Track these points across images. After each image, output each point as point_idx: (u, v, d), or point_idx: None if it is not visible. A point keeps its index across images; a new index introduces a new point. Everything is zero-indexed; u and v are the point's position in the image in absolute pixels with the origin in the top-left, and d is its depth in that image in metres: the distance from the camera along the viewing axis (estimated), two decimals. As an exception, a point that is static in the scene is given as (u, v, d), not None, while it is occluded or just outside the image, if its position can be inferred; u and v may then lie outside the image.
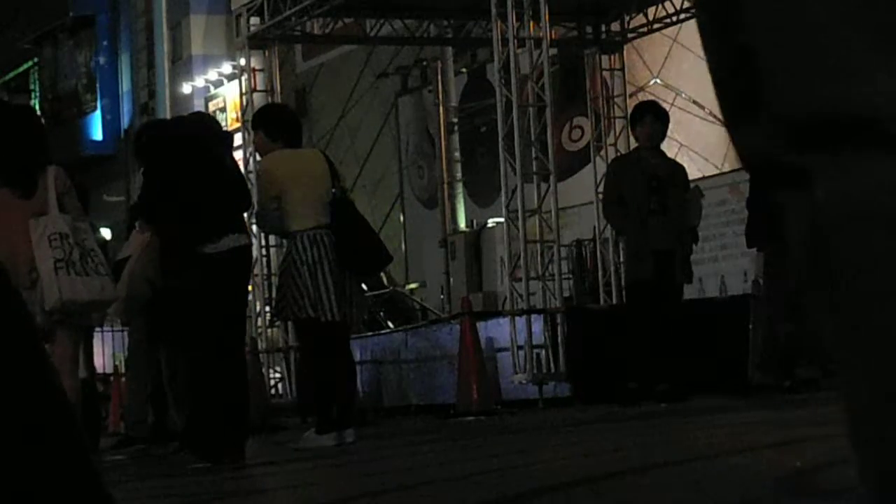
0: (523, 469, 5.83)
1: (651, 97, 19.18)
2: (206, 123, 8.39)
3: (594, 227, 15.52)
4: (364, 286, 9.65)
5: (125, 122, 32.59)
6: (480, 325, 11.99)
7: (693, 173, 18.09)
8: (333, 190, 8.47)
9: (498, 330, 12.41)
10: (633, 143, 11.57)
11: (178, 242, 7.47)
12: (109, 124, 32.64)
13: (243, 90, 16.39)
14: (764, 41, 1.00)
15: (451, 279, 21.02)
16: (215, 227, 7.42)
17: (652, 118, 10.83)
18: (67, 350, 7.36)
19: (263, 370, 14.55)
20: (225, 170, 7.75)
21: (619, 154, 13.82)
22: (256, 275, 15.47)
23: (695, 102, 19.17)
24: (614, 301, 14.28)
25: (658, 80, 19.41)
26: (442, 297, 20.98)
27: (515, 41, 12.83)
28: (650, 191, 10.46)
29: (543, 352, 12.07)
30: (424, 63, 23.29)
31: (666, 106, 19.40)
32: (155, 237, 8.18)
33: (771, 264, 10.15)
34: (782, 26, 0.98)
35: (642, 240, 10.52)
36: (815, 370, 10.06)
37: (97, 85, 32.72)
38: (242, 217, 7.99)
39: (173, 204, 7.44)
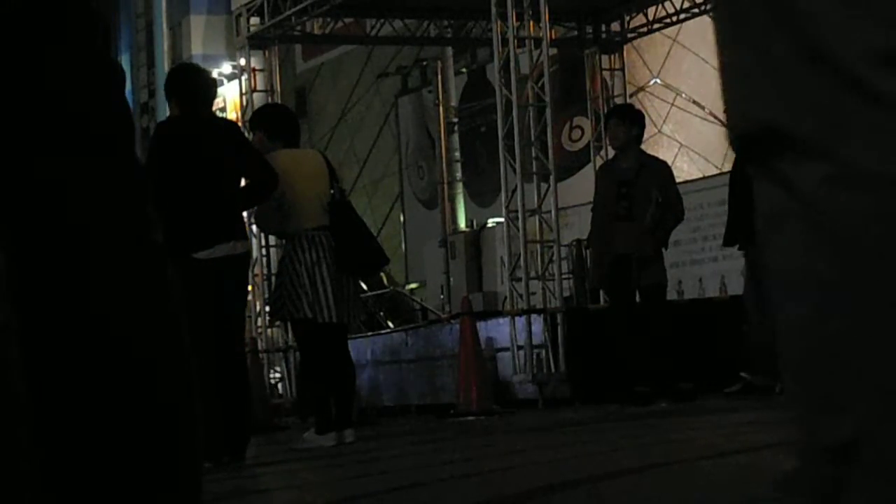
0: (523, 469, 5.83)
1: (651, 97, 19.23)
2: (214, 121, 8.14)
3: (594, 227, 15.50)
4: (364, 286, 9.64)
5: (125, 122, 32.57)
6: (480, 325, 11.98)
7: (693, 173, 18.13)
8: (332, 191, 8.45)
9: (498, 330, 12.41)
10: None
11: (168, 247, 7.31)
12: (109, 124, 32.63)
13: (243, 90, 16.39)
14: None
15: (451, 279, 21.02)
16: (209, 234, 7.34)
17: (616, 120, 10.85)
18: None
19: (263, 370, 14.54)
20: (224, 172, 7.58)
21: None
22: (257, 275, 15.47)
23: (695, 102, 19.16)
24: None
25: (658, 80, 19.42)
26: (442, 297, 20.98)
27: (515, 41, 12.82)
28: (619, 196, 10.48)
29: (543, 352, 12.06)
30: (424, 63, 23.30)
31: (666, 106, 19.52)
32: None
33: (751, 266, 10.24)
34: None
35: (602, 247, 10.59)
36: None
37: (97, 85, 32.70)
38: (242, 223, 7.85)
39: (164, 204, 7.28)
